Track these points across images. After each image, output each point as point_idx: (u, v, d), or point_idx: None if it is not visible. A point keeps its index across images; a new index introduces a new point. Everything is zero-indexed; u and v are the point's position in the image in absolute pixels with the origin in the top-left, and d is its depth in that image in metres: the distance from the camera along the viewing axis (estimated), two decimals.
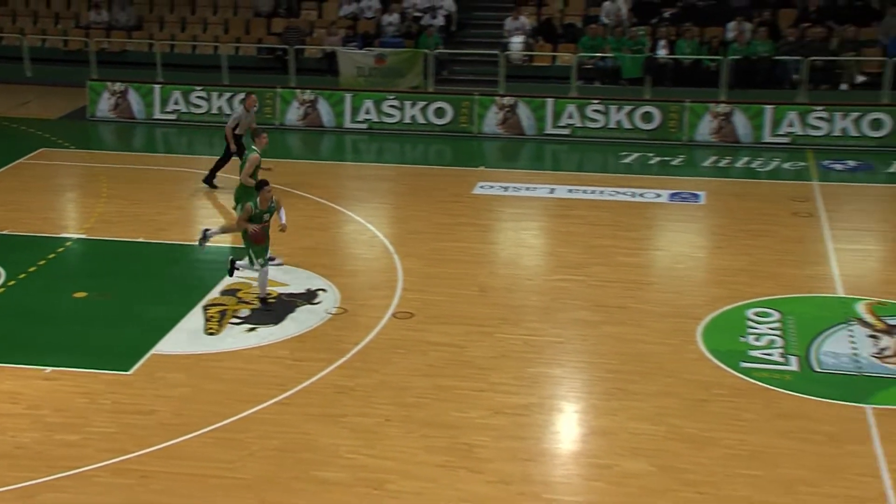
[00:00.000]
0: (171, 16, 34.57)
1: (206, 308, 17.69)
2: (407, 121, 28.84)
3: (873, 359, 16.16)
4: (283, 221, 17.53)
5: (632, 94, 28.73)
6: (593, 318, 17.43)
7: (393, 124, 28.86)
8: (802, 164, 25.46)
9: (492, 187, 23.80)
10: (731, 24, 29.77)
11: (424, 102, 28.83)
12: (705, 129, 27.30)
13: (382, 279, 19.02)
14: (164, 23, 34.32)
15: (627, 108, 27.73)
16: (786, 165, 25.43)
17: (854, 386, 15.40)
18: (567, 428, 14.57)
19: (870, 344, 16.60)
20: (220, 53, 31.76)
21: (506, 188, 23.84)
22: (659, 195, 23.35)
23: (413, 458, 13.38)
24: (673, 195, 23.28)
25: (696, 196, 23.18)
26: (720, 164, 25.53)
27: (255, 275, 17.66)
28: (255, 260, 17.30)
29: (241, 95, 25.42)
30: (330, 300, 18.05)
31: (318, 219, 22.14)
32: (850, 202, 22.94)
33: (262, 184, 17.30)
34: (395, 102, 28.94)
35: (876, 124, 26.49)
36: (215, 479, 12.88)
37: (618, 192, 23.56)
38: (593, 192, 23.65)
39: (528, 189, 23.90)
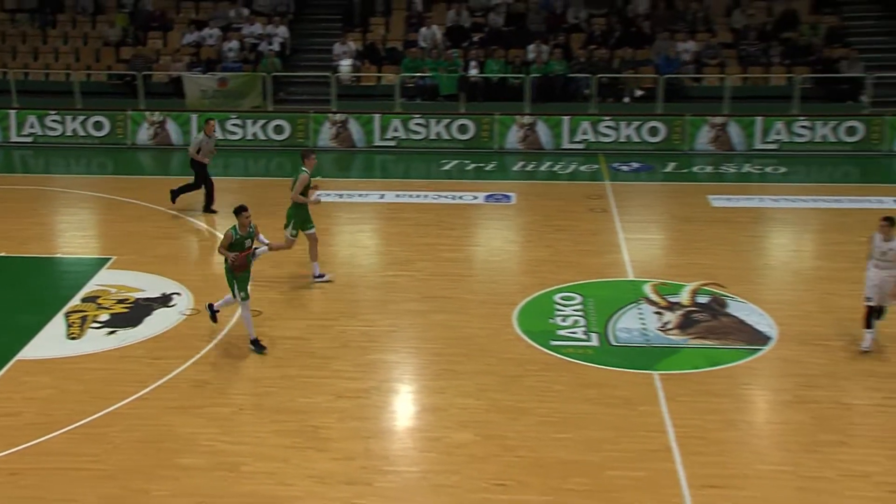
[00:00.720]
0: (24, 46, 33.58)
1: (67, 315, 17.31)
2: (249, 137, 28.70)
3: (659, 332, 16.73)
4: (267, 242, 17.06)
5: (449, 108, 29.04)
6: (422, 308, 17.65)
7: (236, 141, 28.68)
8: (595, 166, 26.11)
9: (328, 195, 23.78)
10: (531, 47, 30.31)
11: (264, 120, 28.72)
12: (513, 137, 27.79)
13: None
14: (17, 52, 33.33)
15: (445, 121, 28.06)
16: (582, 168, 26.06)
17: (644, 356, 15.92)
18: (402, 407, 14.75)
19: (655, 319, 17.18)
20: (73, 80, 31.04)
21: (340, 195, 23.93)
22: (475, 197, 23.72)
23: (265, 442, 13.39)
24: (488, 197, 23.68)
25: (507, 197, 23.60)
26: (527, 169, 26.01)
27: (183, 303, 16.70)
28: (237, 293, 15.71)
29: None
30: (184, 302, 17.88)
31: (170, 229, 21.89)
32: (636, 198, 23.67)
33: (241, 209, 15.82)
34: (238, 121, 28.77)
35: (653, 131, 27.37)
36: (82, 472, 12.64)
37: (440, 196, 23.86)
38: (418, 196, 23.92)
39: (360, 195, 24.05)
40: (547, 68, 29.69)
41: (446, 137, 28.02)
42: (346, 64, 30.61)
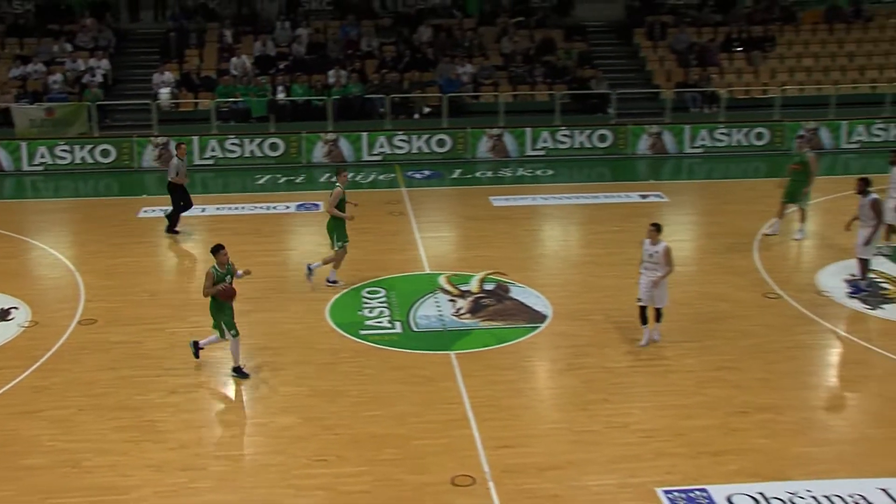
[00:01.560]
0: None
1: None
2: (78, 161, 27.66)
3: (453, 317, 17.02)
4: (241, 274, 15.36)
5: (260, 129, 28.70)
6: (245, 308, 17.30)
7: (65, 165, 27.61)
8: (392, 175, 26.27)
9: (153, 211, 23.27)
10: (331, 72, 30.25)
11: (91, 145, 27.73)
12: (319, 153, 27.69)
13: (67, 293, 18.22)
14: None
15: (258, 140, 27.73)
16: (381, 177, 26.16)
17: (441, 339, 16.17)
18: (231, 398, 14.54)
19: (450, 306, 17.46)
20: None
21: (165, 211, 23.31)
22: (288, 207, 23.54)
23: (105, 438, 13.03)
24: (299, 206, 23.54)
25: (317, 206, 23.47)
26: (332, 180, 25.74)
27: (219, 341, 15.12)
28: (227, 331, 14.66)
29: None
30: (22, 315, 17.17)
31: (5, 249, 20.95)
32: (428, 201, 23.92)
33: (218, 248, 14.78)
34: (67, 147, 27.69)
35: (441, 143, 27.71)
36: None
37: (256, 207, 23.60)
38: (237, 208, 23.59)
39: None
40: (346, 90, 29.71)
41: (259, 155, 27.71)
42: (164, 92, 29.89)
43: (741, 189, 24.23)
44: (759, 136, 28.13)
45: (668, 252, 15.40)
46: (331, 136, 27.70)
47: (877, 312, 17.20)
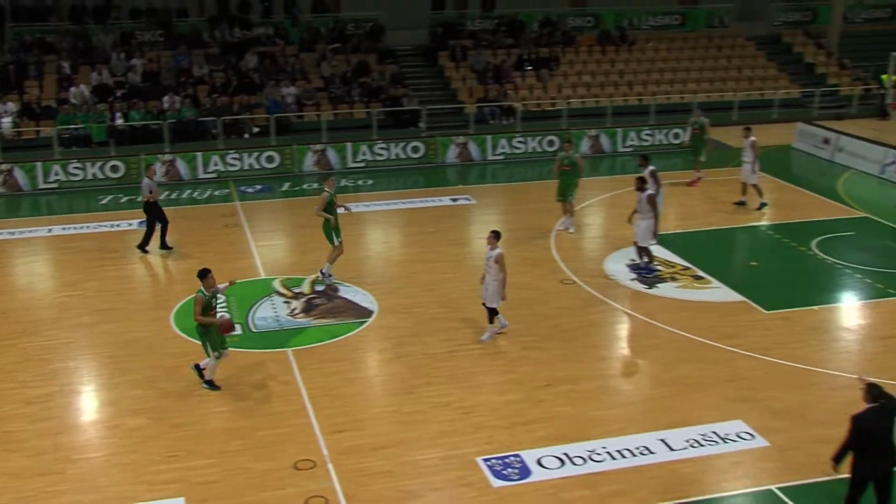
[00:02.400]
0: None
1: None
2: None
3: (288, 317, 16.83)
4: (223, 287, 14.72)
5: (101, 153, 27.49)
6: (93, 321, 16.75)
7: None
8: (227, 190, 25.67)
9: (0, 234, 22.06)
10: (166, 98, 29.34)
11: None
12: (157, 172, 26.71)
13: None
14: None
15: (99, 163, 26.54)
16: (216, 193, 25.48)
17: (279, 338, 15.97)
18: (84, 404, 13.96)
19: (285, 308, 17.25)
20: None
21: (13, 233, 22.16)
22: (130, 224, 22.62)
23: None
24: (140, 223, 22.44)
25: None
26: (171, 197, 25.11)
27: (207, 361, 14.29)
28: (211, 352, 13.99)
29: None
30: None
31: None
32: (261, 213, 23.47)
33: (206, 272, 14.12)
34: None
35: (270, 159, 27.18)
36: None
37: (100, 225, 22.62)
38: (82, 227, 22.54)
39: (31, 231, 22.33)
40: (180, 114, 28.87)
41: (101, 177, 26.52)
42: (6, 121, 28.31)
43: (537, 190, 24.84)
44: (551, 142, 28.88)
45: (500, 258, 15.33)
46: (168, 156, 26.84)
47: (653, 291, 17.97)
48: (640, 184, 18.65)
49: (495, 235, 15.40)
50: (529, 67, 33.75)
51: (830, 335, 16.14)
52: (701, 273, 18.75)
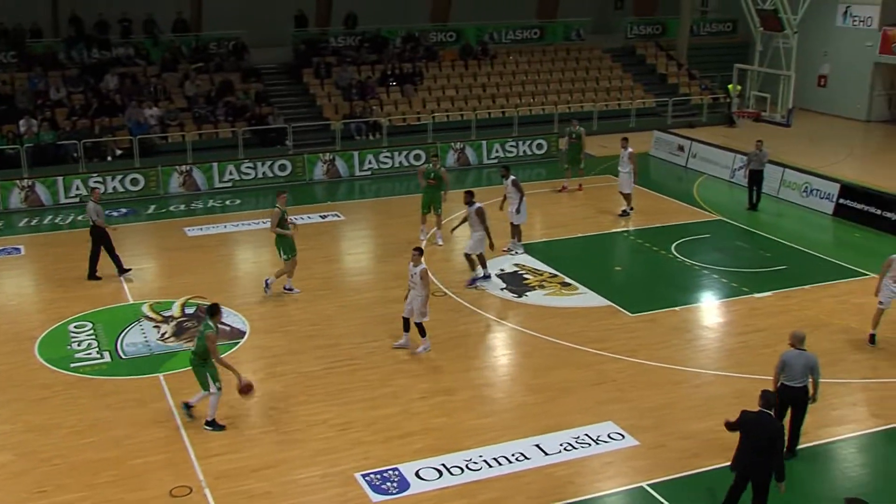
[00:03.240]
0: None
1: None
2: None
3: (159, 342, 16.42)
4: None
5: None
6: None
7: None
8: None
9: None
10: (22, 121, 28.20)
11: None
12: (15, 199, 25.63)
13: None
14: None
15: None
16: (80, 218, 24.23)
17: (149, 363, 15.56)
18: None
19: (155, 332, 16.82)
20: None
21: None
22: None
23: None
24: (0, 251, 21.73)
25: (17, 249, 21.79)
26: (32, 223, 24.12)
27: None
28: (211, 385, 13.29)
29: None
30: None
31: None
32: (128, 237, 22.45)
33: (216, 308, 13.54)
34: None
35: (134, 181, 26.38)
36: None
37: None
38: None
39: None
40: (38, 138, 27.79)
41: None
42: None
43: (405, 204, 24.96)
44: (417, 157, 29.08)
45: (424, 274, 15.39)
46: (26, 182, 25.77)
47: (522, 300, 18.31)
48: (469, 197, 19.00)
49: (419, 252, 15.50)
50: (394, 83, 33.93)
51: (692, 334, 16.79)
52: (568, 280, 19.22)
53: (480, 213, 18.67)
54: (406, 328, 15.91)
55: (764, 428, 10.68)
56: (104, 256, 19.73)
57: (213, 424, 13.38)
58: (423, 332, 15.78)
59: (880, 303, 16.09)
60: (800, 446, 12.81)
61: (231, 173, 27.39)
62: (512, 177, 20.53)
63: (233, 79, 32.32)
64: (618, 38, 40.83)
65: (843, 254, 21.11)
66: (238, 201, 26.01)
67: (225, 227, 23.42)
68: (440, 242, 21.60)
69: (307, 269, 20.01)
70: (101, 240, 19.66)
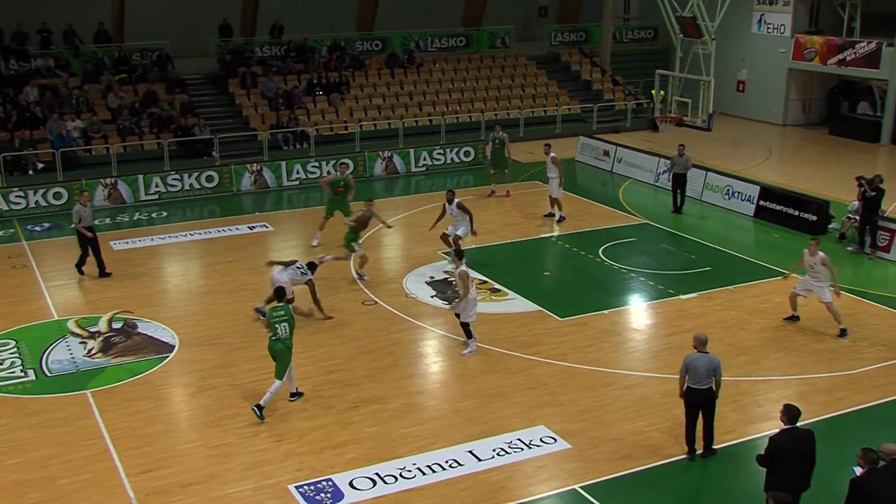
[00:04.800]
0: None
1: None
2: None
3: (85, 358, 16.05)
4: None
5: None
6: None
7: None
8: (12, 230, 24.13)
9: None
10: None
11: None
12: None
13: None
14: None
15: None
16: (0, 233, 23.94)
17: (76, 380, 15.21)
18: None
19: (81, 348, 16.45)
20: None
21: None
22: None
23: None
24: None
25: None
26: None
27: None
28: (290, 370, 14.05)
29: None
30: None
31: None
32: (51, 252, 22.19)
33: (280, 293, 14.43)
34: None
35: (57, 195, 25.58)
36: None
37: None
38: None
39: None
40: None
41: None
42: None
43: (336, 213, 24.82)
44: (345, 165, 28.93)
45: (463, 276, 15.75)
46: None
47: (453, 306, 18.31)
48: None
49: (458, 255, 16.33)
50: (320, 92, 33.76)
51: (620, 337, 17.01)
52: (498, 286, 19.31)
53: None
54: (469, 334, 16.20)
55: (805, 445, 10.39)
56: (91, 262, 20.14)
57: (295, 395, 14.34)
58: (469, 334, 16.11)
59: (794, 288, 17.33)
60: (727, 444, 13.07)
61: (157, 185, 26.93)
62: (457, 200, 20.60)
63: (157, 90, 31.82)
64: (542, 46, 41.24)
65: (764, 254, 21.63)
66: (165, 214, 25.59)
67: (152, 240, 23.02)
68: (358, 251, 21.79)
69: (236, 280, 19.81)
70: (87, 241, 19.98)
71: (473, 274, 19.98)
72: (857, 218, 21.94)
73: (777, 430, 10.66)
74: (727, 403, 13.80)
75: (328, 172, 27.34)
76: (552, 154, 24.05)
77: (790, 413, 10.59)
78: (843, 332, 16.90)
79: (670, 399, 13.96)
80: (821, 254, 16.99)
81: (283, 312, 13.87)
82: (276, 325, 13.79)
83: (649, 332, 17.37)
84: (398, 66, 36.55)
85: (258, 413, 13.72)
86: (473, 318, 16.08)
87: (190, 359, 16.02)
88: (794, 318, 17.47)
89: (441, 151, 30.72)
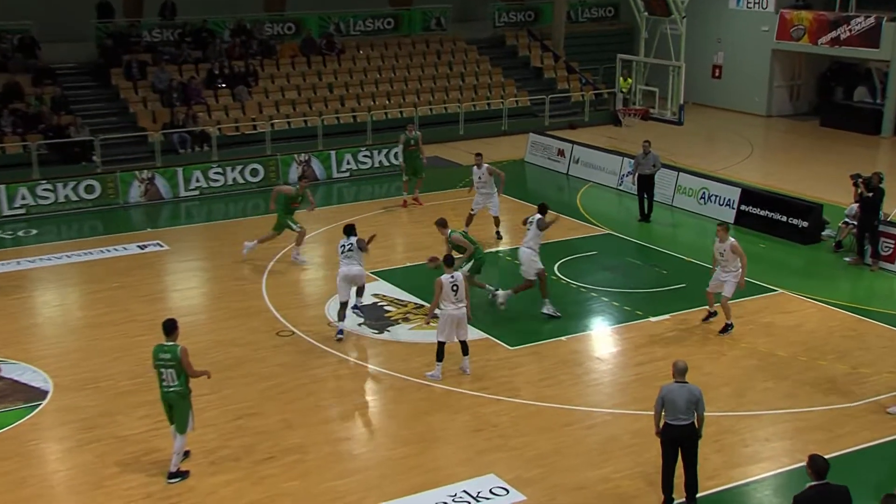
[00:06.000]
0: None
1: None
2: None
3: None
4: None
5: None
6: None
7: None
8: None
9: None
10: None
11: None
12: None
13: None
14: None
15: None
16: None
17: None
18: None
19: None
20: None
21: None
22: None
23: None
24: None
25: None
26: None
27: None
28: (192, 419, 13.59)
29: None
30: None
31: None
32: None
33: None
34: None
35: None
36: None
37: None
38: None
39: None
40: None
41: None
42: None
43: (243, 228, 24.68)
44: (255, 172, 28.83)
45: (437, 284, 16.34)
46: None
47: (384, 336, 18.33)
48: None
49: (437, 260, 17.40)
50: (223, 84, 33.59)
51: (581, 368, 17.13)
52: (436, 310, 19.29)
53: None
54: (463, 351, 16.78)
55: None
56: None
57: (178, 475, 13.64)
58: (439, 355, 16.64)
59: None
60: (709, 491, 13.20)
61: (24, 197, 26.49)
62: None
63: (21, 81, 31.35)
64: (485, 28, 41.60)
65: (748, 267, 21.91)
66: (34, 231, 25.19)
67: (18, 263, 22.61)
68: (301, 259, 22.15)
69: (124, 310, 19.56)
70: None
71: (406, 296, 20.06)
72: (856, 224, 22.33)
73: (803, 488, 10.40)
74: (708, 443, 13.95)
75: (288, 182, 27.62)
76: (486, 165, 23.77)
77: (817, 465, 10.24)
78: (726, 328, 18.26)
79: (643, 439, 14.08)
80: (731, 240, 18.04)
81: (168, 356, 13.28)
82: (161, 371, 13.33)
83: (615, 361, 17.52)
84: (315, 54, 36.56)
85: (176, 481, 13.45)
86: (444, 336, 16.43)
87: (67, 407, 15.74)
88: (711, 315, 18.69)
89: (367, 153, 30.75)
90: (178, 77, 33.26)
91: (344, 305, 18.07)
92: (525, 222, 19.56)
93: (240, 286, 20.76)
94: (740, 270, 18.01)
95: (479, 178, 23.54)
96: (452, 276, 16.44)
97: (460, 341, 16.67)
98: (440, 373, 16.49)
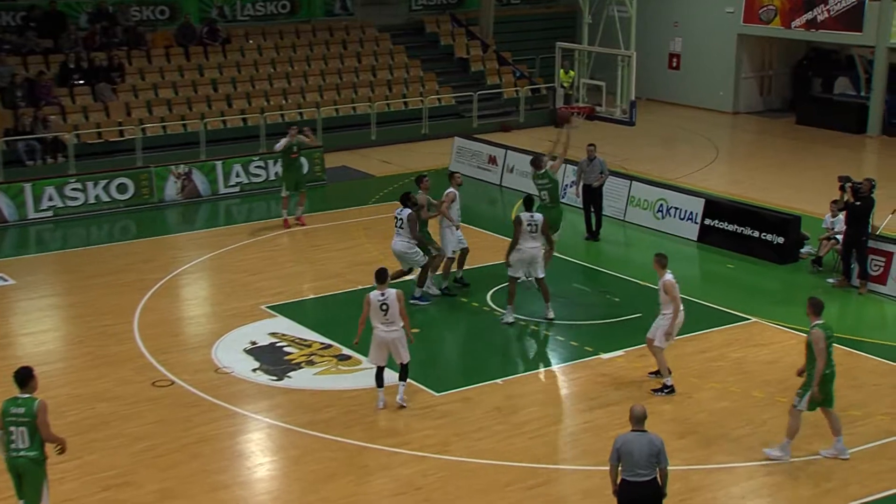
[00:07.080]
0: None
1: None
2: None
3: None
4: None
5: None
6: None
7: None
8: None
9: None
10: None
11: None
12: None
13: None
14: None
15: None
16: None
17: None
18: None
19: None
20: None
21: None
22: None
23: None
24: None
25: None
26: None
27: None
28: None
29: None
30: None
31: None
32: None
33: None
34: None
35: None
36: None
37: None
38: None
39: None
40: None
41: None
42: None
43: (109, 256, 24.42)
44: (123, 187, 28.53)
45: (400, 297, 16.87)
46: None
47: (284, 383, 18.21)
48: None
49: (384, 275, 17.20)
50: (80, 81, 33.23)
51: (521, 416, 17.15)
52: (347, 351, 19.28)
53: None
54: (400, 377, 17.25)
55: None
56: None
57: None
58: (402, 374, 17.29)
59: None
60: None
61: None
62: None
63: None
64: (399, 12, 41.71)
65: (714, 293, 22.21)
66: None
67: None
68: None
69: None
70: None
71: (310, 335, 19.97)
72: (839, 238, 22.57)
73: None
74: (673, 503, 14.09)
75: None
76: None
77: None
78: (662, 389, 17.58)
79: (596, 500, 14.15)
80: (668, 276, 17.40)
81: (22, 411, 12.72)
82: (11, 429, 12.71)
83: (561, 407, 17.61)
84: (195, 44, 36.38)
85: None
86: (374, 360, 17.16)
87: None
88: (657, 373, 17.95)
89: (261, 164, 30.60)
90: (22, 72, 32.80)
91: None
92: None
93: (106, 327, 20.49)
94: (671, 315, 17.42)
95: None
96: (383, 294, 16.59)
97: (400, 364, 16.99)
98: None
